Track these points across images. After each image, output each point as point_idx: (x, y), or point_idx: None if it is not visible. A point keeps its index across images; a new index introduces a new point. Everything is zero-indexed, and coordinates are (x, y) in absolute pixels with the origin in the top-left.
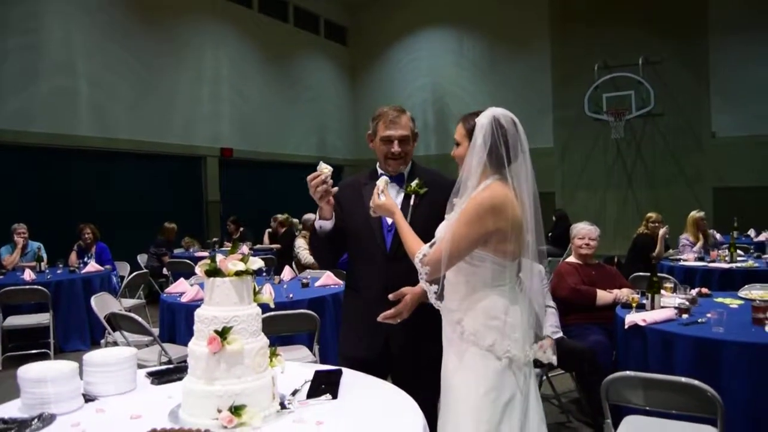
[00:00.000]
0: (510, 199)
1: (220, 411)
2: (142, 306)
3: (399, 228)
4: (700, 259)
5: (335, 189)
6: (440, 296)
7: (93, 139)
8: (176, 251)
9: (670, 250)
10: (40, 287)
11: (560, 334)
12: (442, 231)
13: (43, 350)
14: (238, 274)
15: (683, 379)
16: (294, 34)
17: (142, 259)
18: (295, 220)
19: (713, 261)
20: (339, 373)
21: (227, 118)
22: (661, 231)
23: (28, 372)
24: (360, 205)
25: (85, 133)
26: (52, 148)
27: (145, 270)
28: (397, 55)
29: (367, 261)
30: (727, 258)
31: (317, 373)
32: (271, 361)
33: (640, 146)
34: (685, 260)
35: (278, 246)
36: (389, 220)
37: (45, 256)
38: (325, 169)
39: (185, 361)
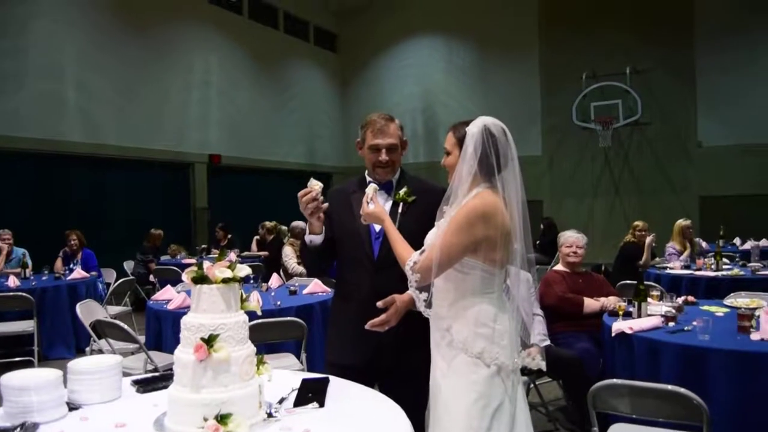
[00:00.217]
0: (500, 207)
1: (206, 420)
2: (129, 313)
3: (389, 235)
4: (687, 267)
5: (325, 205)
6: (429, 304)
7: (80, 145)
8: (163, 258)
9: (657, 258)
10: (24, 294)
11: (548, 342)
12: (432, 238)
13: (27, 358)
14: (225, 281)
15: (669, 387)
16: (284, 40)
17: (128, 265)
18: (284, 228)
19: (699, 269)
20: (326, 381)
21: (216, 124)
22: (648, 239)
23: (10, 380)
24: (349, 213)
25: (72, 139)
26: (38, 153)
27: (131, 277)
28: (386, 62)
29: (355, 268)
30: (713, 266)
31: (304, 381)
32: (258, 369)
33: (628, 155)
34: (671, 268)
35: (266, 253)
36: (377, 228)
37: (30, 262)
38: (315, 186)
39: (171, 369)
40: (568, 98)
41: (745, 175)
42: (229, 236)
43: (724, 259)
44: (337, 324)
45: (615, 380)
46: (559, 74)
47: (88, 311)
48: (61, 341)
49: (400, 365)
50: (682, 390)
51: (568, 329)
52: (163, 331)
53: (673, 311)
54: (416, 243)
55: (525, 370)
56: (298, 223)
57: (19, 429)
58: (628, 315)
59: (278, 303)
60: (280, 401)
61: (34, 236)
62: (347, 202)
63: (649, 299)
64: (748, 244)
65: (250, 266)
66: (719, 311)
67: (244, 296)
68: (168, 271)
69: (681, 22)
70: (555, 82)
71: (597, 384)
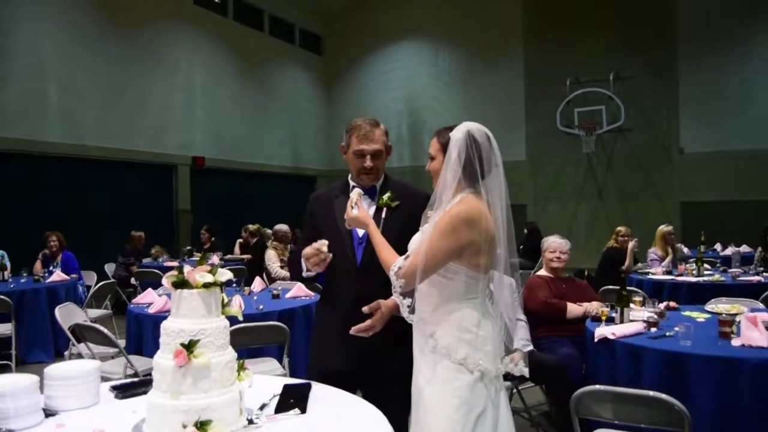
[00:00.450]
0: (484, 212)
1: (185, 426)
2: (109, 317)
3: (373, 240)
4: (668, 272)
5: (330, 257)
6: (412, 310)
7: (62, 146)
8: (145, 261)
9: (639, 264)
10: (2, 297)
11: (531, 347)
12: (416, 243)
13: (4, 362)
14: (206, 286)
15: (651, 393)
16: (269, 43)
17: (109, 268)
18: (267, 231)
19: (681, 275)
20: (308, 386)
21: (200, 126)
22: (630, 244)
23: None
24: (331, 218)
25: (54, 139)
26: (18, 153)
27: (112, 280)
28: (372, 65)
29: (338, 274)
30: (694, 272)
31: (286, 387)
32: (238, 374)
33: (611, 160)
34: (653, 274)
35: (249, 256)
36: (360, 233)
37: (8, 264)
38: (323, 248)
39: (151, 374)
40: (552, 104)
41: (727, 182)
42: (213, 239)
43: (706, 265)
44: (322, 329)
45: (598, 386)
46: (544, 80)
47: (67, 315)
48: (39, 345)
49: (383, 370)
50: (664, 396)
51: (551, 334)
52: (143, 335)
53: (655, 317)
54: (400, 248)
55: (508, 376)
56: (281, 227)
57: None
58: (610, 320)
59: (261, 307)
60: (262, 407)
61: (13, 238)
62: (330, 206)
63: (631, 305)
64: (729, 250)
65: (233, 269)
66: (701, 317)
67: (226, 300)
68: (149, 273)
69: (663, 29)
70: (539, 87)
71: (580, 390)
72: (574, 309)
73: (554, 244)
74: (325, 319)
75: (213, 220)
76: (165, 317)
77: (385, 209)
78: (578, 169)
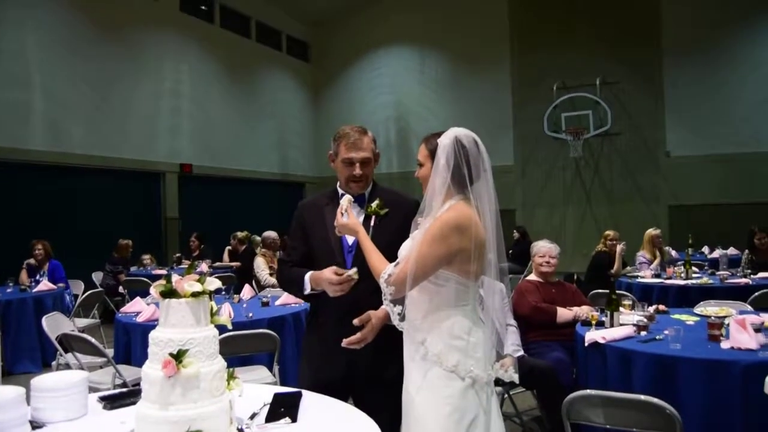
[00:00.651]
0: (474, 218)
1: None
2: (97, 326)
3: (363, 247)
4: (657, 276)
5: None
6: (402, 317)
7: (47, 154)
8: (133, 269)
9: (628, 267)
10: None
11: (521, 353)
12: (406, 250)
13: None
14: (195, 295)
15: (642, 398)
16: (256, 49)
17: (97, 277)
18: (256, 238)
19: (669, 278)
20: (299, 395)
21: (187, 133)
22: (618, 248)
23: None
24: (321, 226)
25: (39, 148)
26: (3, 162)
27: (100, 288)
28: (359, 72)
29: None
30: (682, 275)
31: (276, 396)
32: (228, 384)
33: (598, 165)
34: (642, 277)
35: (238, 264)
36: (350, 241)
37: None
38: (354, 276)
39: (140, 384)
40: (540, 109)
41: (713, 185)
42: (202, 246)
43: (694, 268)
44: (312, 337)
45: (589, 391)
46: (531, 85)
47: (54, 324)
48: (26, 355)
49: (374, 379)
50: (655, 400)
51: (542, 339)
52: (132, 344)
53: (645, 320)
54: (390, 255)
55: (499, 381)
56: (269, 234)
57: None
58: (600, 324)
59: (250, 315)
60: (252, 417)
61: None
62: (320, 214)
63: (621, 308)
64: (717, 253)
65: (221, 277)
66: (690, 320)
67: (215, 309)
68: (138, 282)
69: (649, 35)
70: (526, 92)
71: (571, 395)
72: (564, 313)
73: (543, 249)
74: (316, 327)
75: (201, 227)
76: (153, 326)
77: (374, 217)
78: (566, 173)
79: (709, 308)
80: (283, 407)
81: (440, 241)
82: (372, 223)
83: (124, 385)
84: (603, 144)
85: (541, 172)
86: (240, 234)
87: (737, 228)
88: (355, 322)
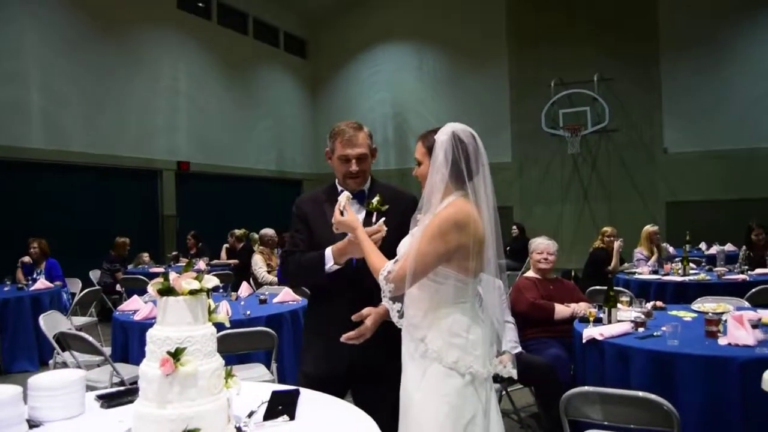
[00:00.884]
0: (473, 215)
1: None
2: (94, 324)
3: (361, 244)
4: (654, 272)
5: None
6: (402, 314)
7: (44, 152)
8: (130, 267)
9: (626, 264)
10: None
11: (519, 349)
12: (405, 247)
13: None
14: (192, 292)
15: (640, 394)
16: (253, 46)
17: (94, 275)
18: (254, 235)
19: (667, 274)
20: (296, 393)
21: (184, 130)
22: (616, 244)
23: None
24: (323, 222)
25: (37, 146)
26: (1, 160)
27: (97, 286)
28: (357, 69)
29: (332, 277)
30: (680, 271)
31: (274, 394)
32: (226, 382)
33: (596, 161)
34: (639, 274)
35: (236, 261)
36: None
37: None
38: (383, 227)
39: (137, 383)
40: (537, 105)
41: (710, 181)
42: (200, 244)
43: (691, 264)
44: (312, 333)
45: (587, 387)
46: (528, 81)
47: (51, 323)
48: (23, 354)
49: (374, 373)
50: (653, 396)
51: (539, 336)
52: (129, 343)
53: (643, 317)
54: (389, 252)
55: (497, 378)
56: (267, 231)
57: None
58: (598, 321)
59: (248, 312)
60: (250, 415)
61: None
62: (321, 210)
63: (618, 305)
64: (714, 249)
65: (219, 275)
66: (687, 316)
67: (213, 306)
68: (135, 280)
69: (646, 31)
70: (524, 89)
71: (569, 392)
72: (561, 310)
73: (541, 246)
74: (317, 322)
75: (198, 224)
76: (151, 324)
77: (375, 213)
78: (564, 170)
79: (707, 304)
80: (281, 405)
81: (439, 238)
82: (374, 219)
83: (121, 383)
84: (600, 141)
85: (538, 168)
86: (238, 231)
87: (734, 224)
88: (354, 317)
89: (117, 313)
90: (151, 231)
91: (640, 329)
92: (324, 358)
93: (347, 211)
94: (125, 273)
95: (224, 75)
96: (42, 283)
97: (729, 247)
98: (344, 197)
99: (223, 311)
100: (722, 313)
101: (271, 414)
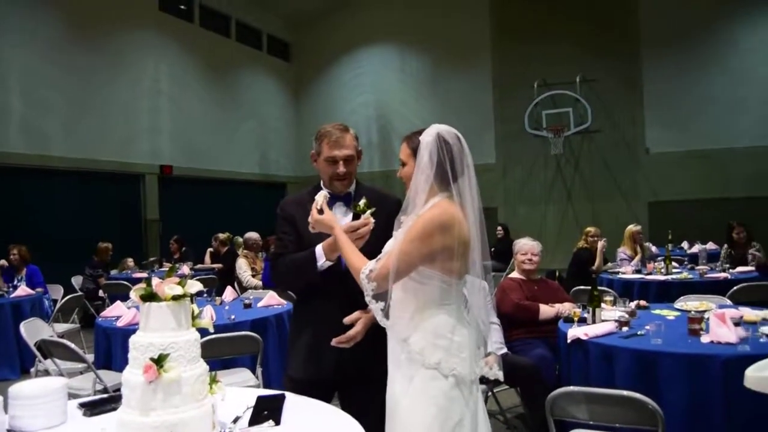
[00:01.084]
0: (458, 217)
1: None
2: (77, 331)
3: (339, 243)
4: (638, 271)
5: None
6: (386, 314)
7: (24, 156)
8: (114, 272)
9: (609, 264)
10: None
11: (504, 350)
12: (389, 248)
13: None
14: (176, 298)
15: (625, 393)
16: (236, 49)
17: (77, 281)
18: (238, 239)
19: (650, 273)
20: (282, 398)
21: (167, 134)
22: (599, 244)
23: None
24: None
25: (16, 150)
26: None
27: (79, 293)
28: (340, 71)
29: (323, 276)
30: (663, 270)
31: (259, 399)
32: (210, 388)
33: (579, 162)
34: (623, 273)
35: (220, 266)
36: None
37: None
38: (371, 218)
39: (120, 390)
40: (521, 106)
41: (691, 180)
42: (183, 249)
43: (674, 263)
44: (299, 335)
45: (572, 387)
46: (512, 83)
47: (33, 330)
48: (4, 362)
49: (362, 377)
50: (637, 395)
51: (525, 336)
52: (112, 349)
53: (627, 316)
54: (374, 254)
55: (483, 379)
56: (251, 235)
57: None
58: (582, 321)
59: (232, 317)
60: (235, 420)
61: None
62: (306, 212)
63: (602, 305)
64: (696, 248)
65: (203, 279)
66: (670, 315)
67: (197, 312)
68: (118, 286)
69: (627, 33)
70: (507, 90)
71: (554, 392)
72: (546, 310)
73: (526, 246)
74: (304, 324)
75: (182, 229)
76: (134, 330)
77: (362, 215)
78: (547, 171)
79: (689, 303)
80: (267, 410)
81: (423, 239)
82: None
83: (104, 390)
84: (583, 141)
85: (522, 169)
86: (222, 235)
87: (715, 223)
88: (346, 320)
89: (100, 319)
90: (134, 236)
91: (624, 328)
92: (311, 361)
93: (324, 210)
94: (108, 278)
95: (207, 78)
96: (23, 290)
97: (711, 245)
98: (321, 196)
99: (208, 316)
100: (705, 311)
101: (256, 419)
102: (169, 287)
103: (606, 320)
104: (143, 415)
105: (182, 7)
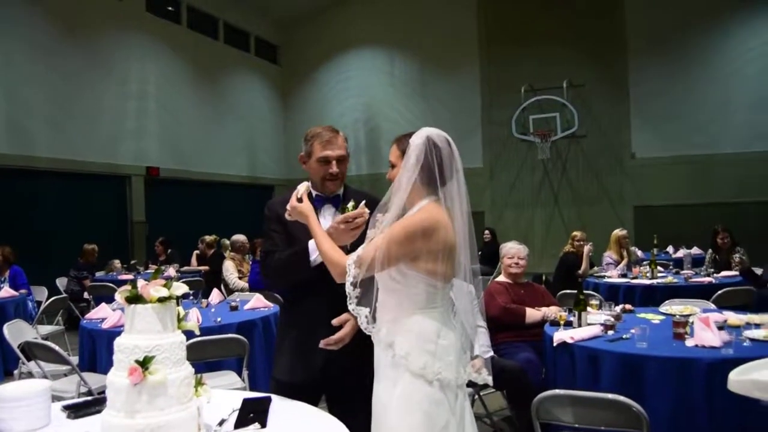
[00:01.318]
0: (443, 221)
1: None
2: (61, 333)
3: (314, 234)
4: (623, 275)
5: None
6: (373, 317)
7: (9, 157)
8: (99, 274)
9: (595, 268)
10: None
11: (491, 354)
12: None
13: None
14: (161, 300)
15: (610, 396)
16: (224, 51)
17: (61, 282)
18: (225, 241)
19: (635, 277)
20: (268, 400)
21: (154, 135)
22: (586, 248)
23: None
24: (299, 224)
25: (1, 150)
26: None
27: (64, 294)
28: (328, 74)
29: (306, 281)
30: (648, 274)
31: (245, 401)
32: (196, 390)
33: (566, 166)
34: (609, 277)
35: (206, 268)
36: None
37: None
38: (364, 210)
39: (105, 392)
40: (508, 111)
41: (676, 185)
42: (169, 251)
43: (659, 268)
44: (286, 338)
45: (558, 390)
46: (499, 87)
47: (16, 332)
48: None
49: (348, 381)
50: (622, 398)
51: (511, 339)
52: (97, 351)
53: (612, 320)
54: None
55: (469, 382)
56: (238, 237)
57: None
58: (569, 324)
59: (219, 319)
60: (221, 423)
61: None
62: None
63: (588, 308)
64: (681, 252)
65: (189, 281)
66: (655, 319)
67: (182, 314)
68: (103, 287)
69: (614, 38)
70: (495, 95)
71: (540, 395)
72: (533, 314)
73: (512, 250)
74: (291, 326)
75: (168, 231)
76: (119, 332)
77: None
78: (534, 175)
79: (674, 307)
80: (253, 413)
81: (403, 242)
82: None
83: (89, 393)
84: (570, 146)
85: (509, 174)
86: (208, 238)
87: (700, 228)
88: (334, 322)
89: (84, 321)
90: (121, 237)
91: (610, 332)
92: (299, 363)
93: (304, 199)
94: (93, 280)
95: (194, 79)
96: (6, 292)
97: (695, 250)
98: (303, 186)
99: (194, 318)
100: (689, 315)
101: (242, 422)
102: (154, 289)
103: (592, 324)
104: (128, 418)
105: (170, 8)
